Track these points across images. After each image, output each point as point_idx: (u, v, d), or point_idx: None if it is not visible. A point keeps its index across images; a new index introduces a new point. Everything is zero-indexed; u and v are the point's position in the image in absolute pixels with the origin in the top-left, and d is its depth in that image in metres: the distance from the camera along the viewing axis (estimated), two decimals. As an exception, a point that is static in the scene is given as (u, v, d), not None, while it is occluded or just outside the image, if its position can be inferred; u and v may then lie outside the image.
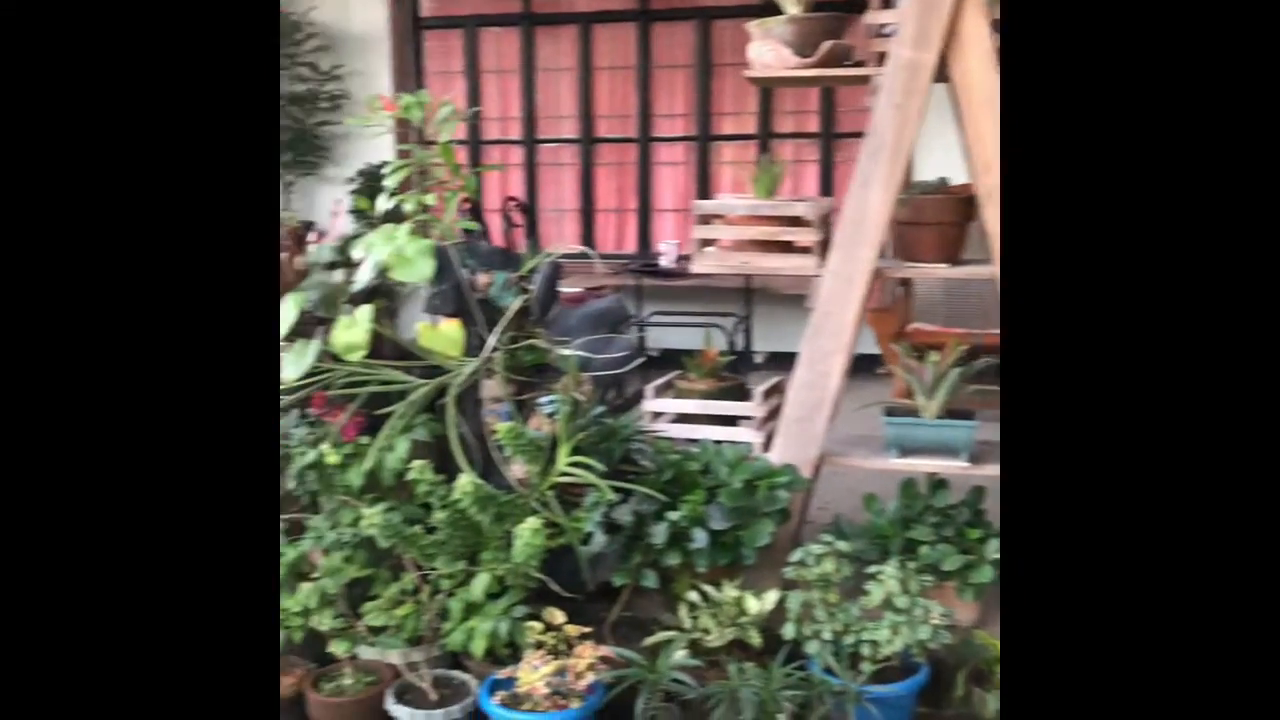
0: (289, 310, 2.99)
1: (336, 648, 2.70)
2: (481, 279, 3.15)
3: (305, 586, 2.79)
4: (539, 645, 2.59)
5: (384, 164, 5.98)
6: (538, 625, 2.63)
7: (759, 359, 6.09)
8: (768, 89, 6.13)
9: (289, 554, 2.86)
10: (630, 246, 6.80)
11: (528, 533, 2.62)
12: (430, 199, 3.18)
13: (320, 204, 6.41)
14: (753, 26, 3.11)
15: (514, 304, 3.06)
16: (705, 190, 6.54)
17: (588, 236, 6.78)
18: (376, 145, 6.09)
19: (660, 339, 5.89)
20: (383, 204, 3.17)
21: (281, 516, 2.99)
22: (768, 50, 3.05)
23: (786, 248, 3.15)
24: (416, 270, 2.97)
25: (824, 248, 3.03)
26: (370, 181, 6.08)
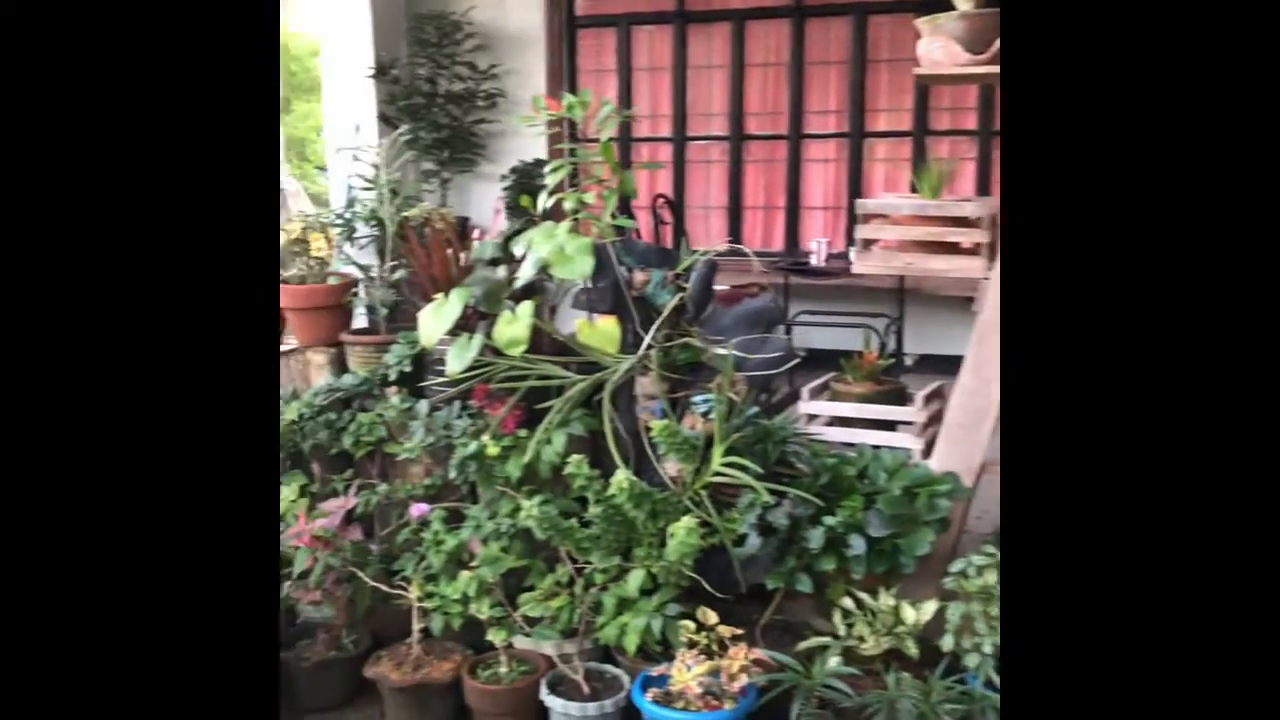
0: (454, 305, 3.07)
1: (494, 636, 2.76)
2: (638, 277, 3.17)
3: (464, 575, 2.87)
4: (692, 644, 2.59)
5: (537, 161, 6.15)
6: (690, 624, 2.63)
7: (909, 361, 5.96)
8: (925, 85, 5.99)
9: (449, 541, 2.94)
10: (777, 244, 6.74)
11: (682, 531, 2.62)
12: (589, 197, 3.22)
13: (475, 200, 6.57)
14: (922, 23, 3.04)
15: (670, 302, 3.07)
16: (857, 188, 6.43)
17: (735, 234, 6.75)
18: (529, 143, 6.19)
19: (806, 339, 5.82)
20: (543, 201, 3.22)
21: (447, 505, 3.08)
22: (937, 47, 2.96)
23: (952, 249, 3.07)
24: (576, 267, 3.01)
25: (992, 249, 2.94)
26: (523, 179, 6.19)
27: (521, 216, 5.06)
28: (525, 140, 6.23)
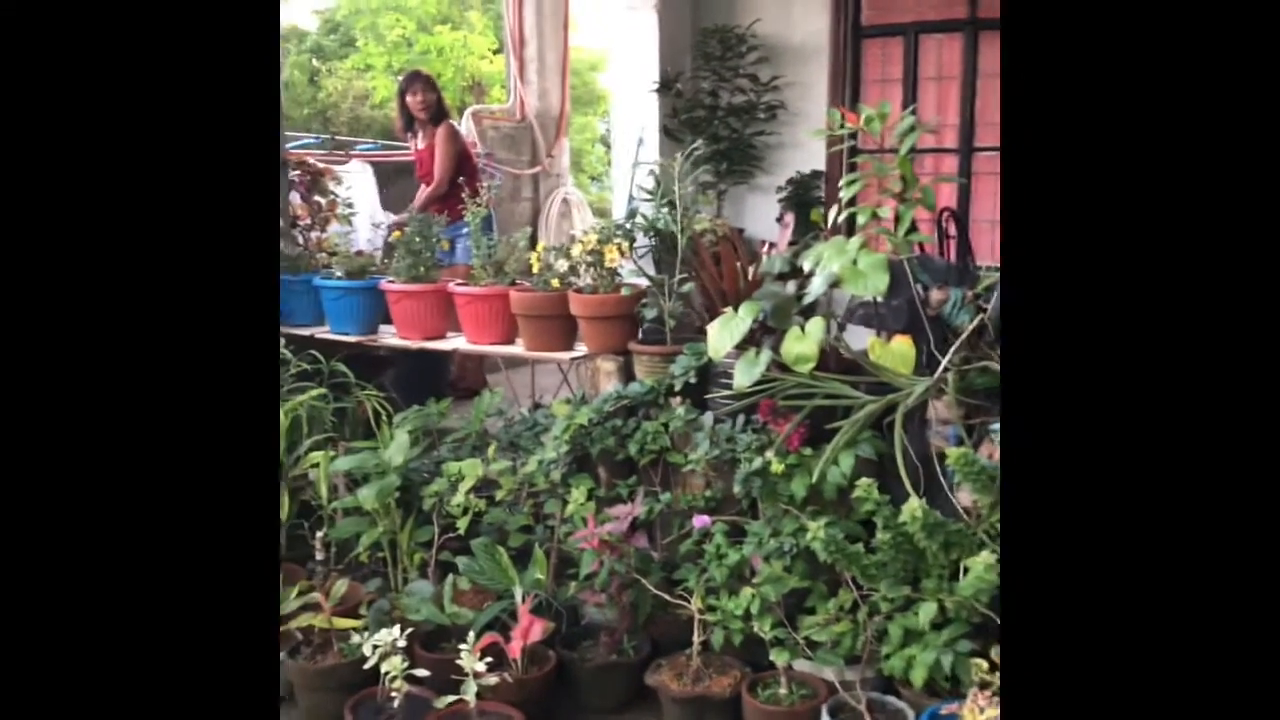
0: (743, 319, 3.07)
1: (776, 657, 2.73)
2: (934, 295, 3.05)
3: (746, 591, 2.85)
4: (984, 684, 2.46)
5: (814, 173, 6.08)
6: (983, 663, 2.50)
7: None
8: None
9: (731, 556, 2.94)
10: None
11: (980, 567, 2.49)
12: (884, 211, 3.13)
13: (749, 211, 6.58)
14: None
15: (969, 323, 2.93)
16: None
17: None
18: (807, 154, 6.13)
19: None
20: (833, 215, 3.16)
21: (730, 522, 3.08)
22: None
23: None
24: (870, 283, 2.93)
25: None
26: (800, 190, 6.14)
27: (809, 230, 5.02)
28: (803, 152, 6.18)
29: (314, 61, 16.28)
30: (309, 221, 4.66)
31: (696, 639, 2.94)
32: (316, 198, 4.67)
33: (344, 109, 15.54)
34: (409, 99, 5.71)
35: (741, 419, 3.18)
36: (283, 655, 3.09)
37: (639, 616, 3.11)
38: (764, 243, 3.76)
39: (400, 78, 6.08)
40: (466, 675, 2.73)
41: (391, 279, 4.02)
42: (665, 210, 3.72)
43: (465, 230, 4.00)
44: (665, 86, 6.18)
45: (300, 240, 4.57)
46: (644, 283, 3.68)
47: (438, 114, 5.72)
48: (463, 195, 4.59)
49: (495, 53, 12.18)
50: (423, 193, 5.57)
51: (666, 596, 3.03)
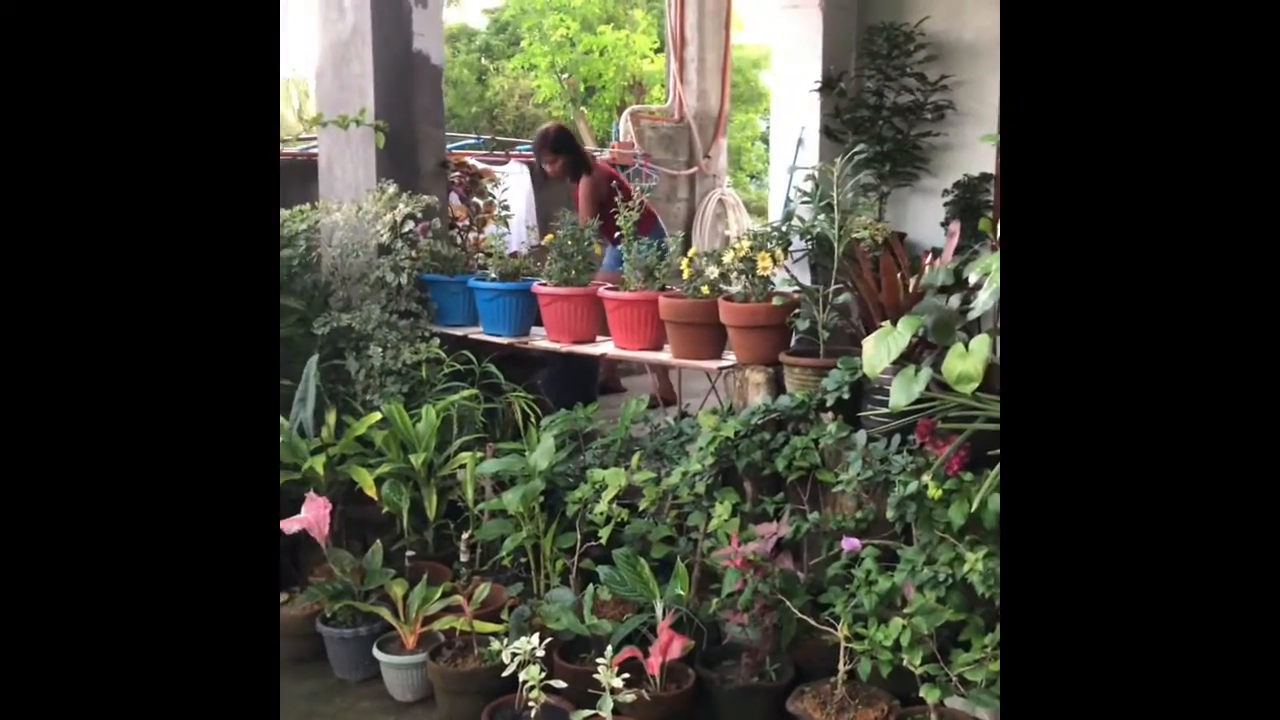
0: (902, 334, 2.91)
1: (927, 694, 2.58)
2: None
3: (896, 621, 2.71)
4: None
5: (983, 176, 5.81)
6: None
7: None
8: None
9: (882, 583, 2.80)
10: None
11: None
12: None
13: (912, 215, 6.34)
14: None
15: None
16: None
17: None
18: (976, 157, 5.86)
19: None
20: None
21: (874, 542, 2.94)
22: None
23: None
24: (1041, 301, 2.74)
25: None
26: (967, 194, 5.88)
27: (976, 237, 4.78)
28: (971, 154, 5.91)
29: (482, 60, 16.67)
30: (466, 223, 4.71)
31: (842, 667, 2.81)
32: (474, 199, 4.73)
33: (510, 108, 15.86)
34: (546, 167, 5.64)
35: (897, 439, 3.03)
36: (425, 656, 3.12)
37: (782, 639, 3.00)
38: (928, 251, 3.58)
39: (535, 135, 5.94)
40: (603, 689, 2.69)
41: (543, 281, 4.02)
42: (822, 215, 3.59)
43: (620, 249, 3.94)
44: (828, 85, 6.01)
45: (458, 241, 4.63)
46: (797, 291, 3.56)
47: (575, 171, 5.57)
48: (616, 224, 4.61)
49: (656, 51, 12.18)
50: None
51: (811, 621, 2.91)
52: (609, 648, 2.81)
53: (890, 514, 2.88)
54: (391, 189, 4.23)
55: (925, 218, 6.18)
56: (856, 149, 3.60)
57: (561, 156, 5.57)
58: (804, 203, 4.89)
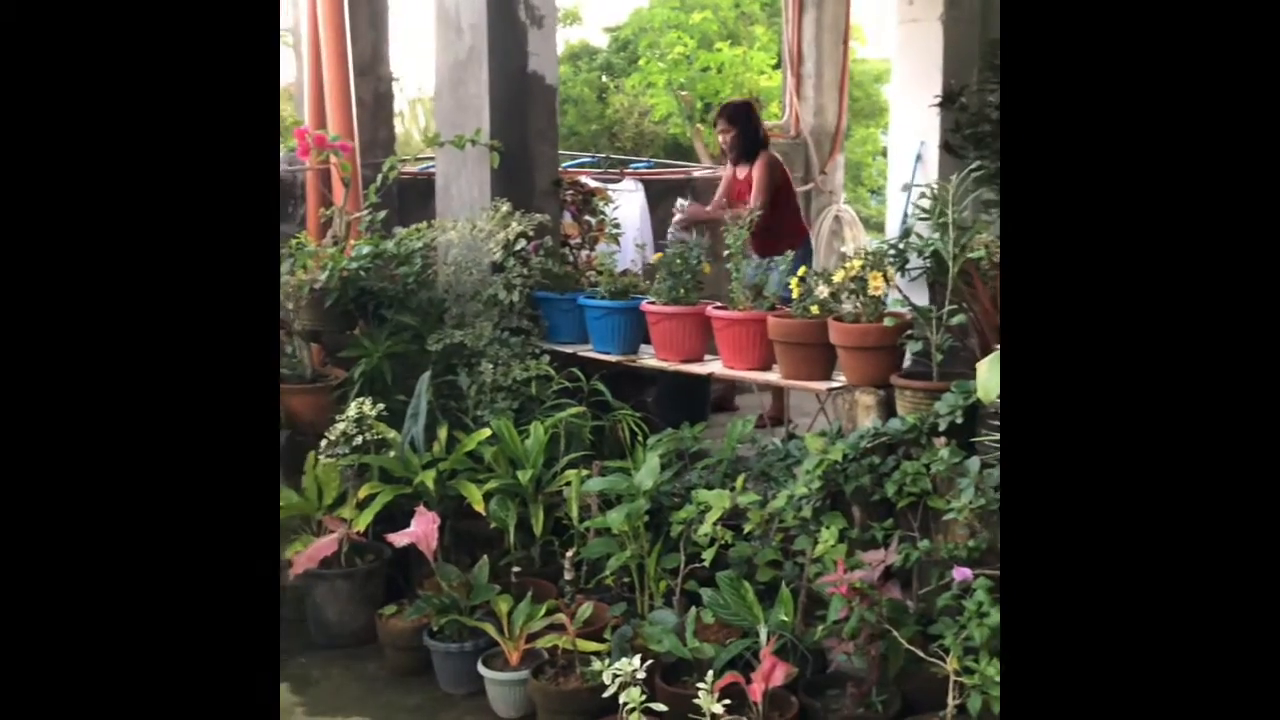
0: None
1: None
2: None
3: (1008, 656, 2.60)
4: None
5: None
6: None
7: None
8: None
9: (994, 615, 2.69)
10: None
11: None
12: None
13: (1038, 232, 6.14)
14: None
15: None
16: None
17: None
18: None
19: None
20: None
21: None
22: None
23: None
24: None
25: None
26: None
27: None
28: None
29: (603, 78, 16.84)
30: (579, 240, 4.75)
31: (951, 702, 2.71)
32: (587, 217, 4.76)
33: (629, 125, 15.98)
34: (719, 135, 5.61)
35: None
36: (527, 674, 3.14)
37: (889, 670, 2.91)
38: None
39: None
40: (704, 715, 2.66)
41: (652, 300, 4.02)
42: (939, 233, 3.49)
43: (777, 266, 3.88)
44: (948, 100, 5.86)
45: (570, 259, 4.67)
46: (910, 311, 3.47)
47: (751, 147, 5.48)
48: (778, 231, 4.55)
49: (774, 67, 12.11)
50: (695, 208, 5.49)
51: (920, 652, 2.81)
52: (711, 672, 2.77)
53: (1004, 544, 2.77)
54: (505, 207, 4.29)
55: (1050, 234, 5.98)
56: (974, 165, 3.49)
57: (735, 128, 5.47)
58: (921, 219, 4.77)
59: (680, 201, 5.51)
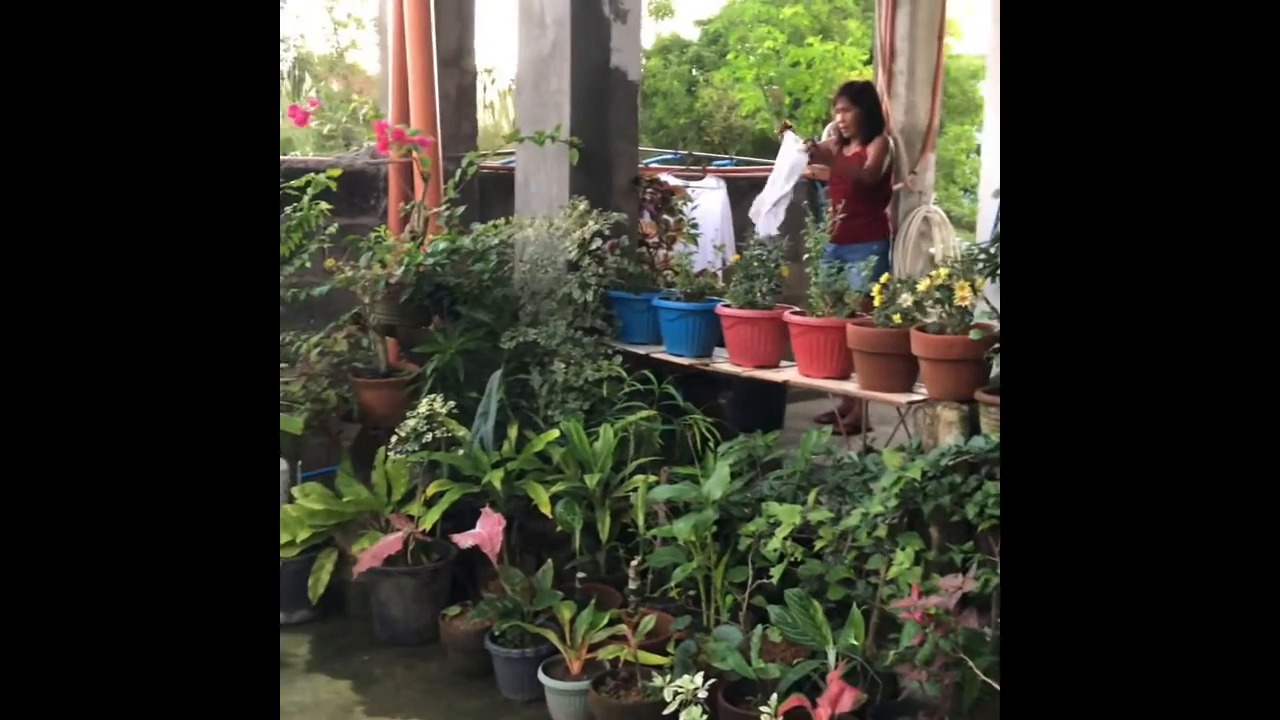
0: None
1: None
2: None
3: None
4: None
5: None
6: None
7: None
8: None
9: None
10: None
11: None
12: None
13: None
14: None
15: None
16: None
17: None
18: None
19: None
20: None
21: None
22: None
23: None
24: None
25: None
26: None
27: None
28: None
29: (693, 71, 16.73)
30: (656, 240, 4.67)
31: (1028, 740, 2.57)
32: (665, 216, 4.68)
33: (718, 119, 15.84)
34: (835, 113, 5.51)
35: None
36: (587, 684, 3.08)
37: (964, 700, 2.78)
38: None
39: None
40: (766, 739, 2.57)
41: (727, 303, 3.92)
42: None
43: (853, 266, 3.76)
44: (1046, 99, 5.66)
45: (647, 258, 4.59)
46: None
47: (871, 129, 5.44)
48: (865, 217, 4.41)
49: (866, 63, 11.86)
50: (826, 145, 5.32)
51: (995, 684, 2.67)
52: (775, 694, 2.68)
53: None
54: (582, 205, 4.23)
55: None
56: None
57: (858, 107, 5.46)
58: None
59: (801, 142, 5.24)
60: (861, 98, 5.47)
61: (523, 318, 4.27)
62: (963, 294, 3.23)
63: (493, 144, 5.69)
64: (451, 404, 3.78)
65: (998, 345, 3.20)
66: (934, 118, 7.84)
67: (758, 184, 6.82)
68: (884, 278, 3.53)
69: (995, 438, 3.05)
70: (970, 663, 2.72)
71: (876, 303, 3.49)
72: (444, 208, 4.38)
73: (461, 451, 3.74)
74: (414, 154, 4.40)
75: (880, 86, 7.78)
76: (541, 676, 3.18)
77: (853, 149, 5.42)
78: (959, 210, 13.96)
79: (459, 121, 5.41)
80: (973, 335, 3.18)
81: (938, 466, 3.08)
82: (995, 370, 3.28)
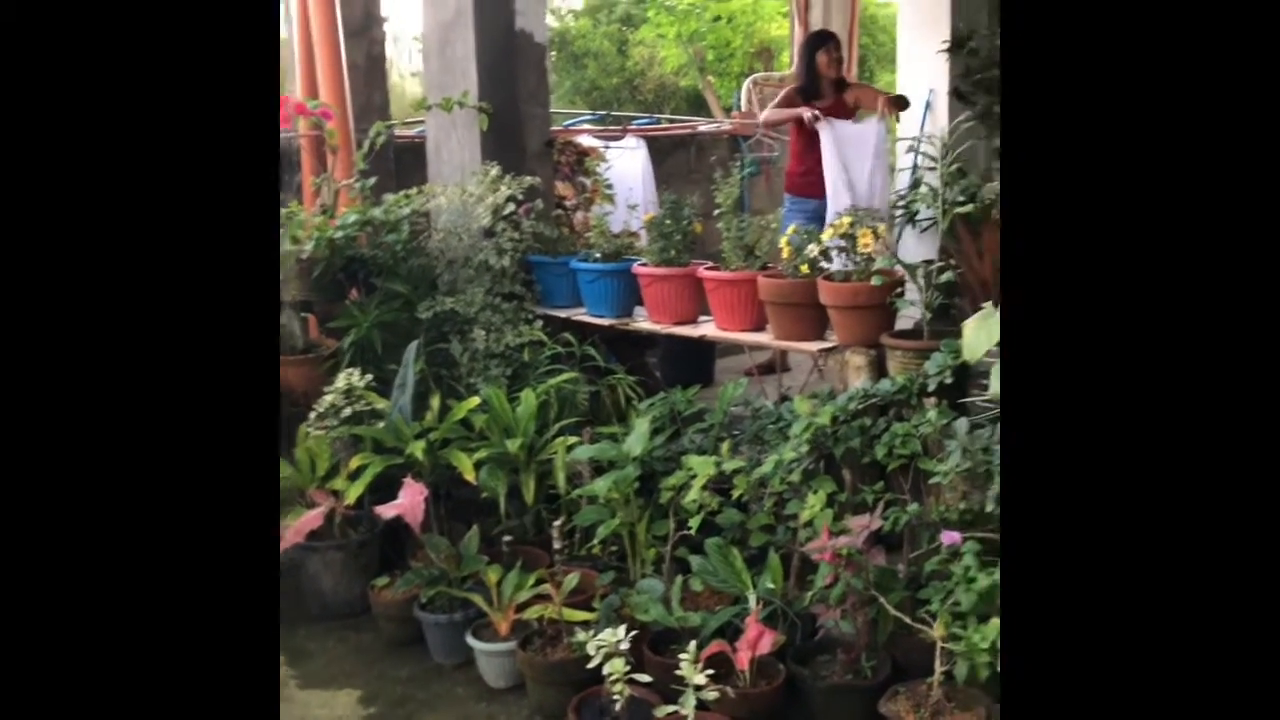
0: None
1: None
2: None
3: (996, 622, 2.54)
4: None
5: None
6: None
7: None
8: None
9: (981, 580, 2.63)
10: None
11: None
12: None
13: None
14: None
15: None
16: None
17: None
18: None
19: None
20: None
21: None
22: None
23: None
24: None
25: None
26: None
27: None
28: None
29: (623, 30, 16.59)
30: (574, 202, 4.67)
31: (938, 668, 2.66)
32: (581, 178, 4.68)
33: (650, 78, 15.75)
34: (821, 57, 5.41)
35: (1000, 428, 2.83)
36: (515, 645, 3.12)
37: (878, 636, 2.86)
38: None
39: (809, 36, 5.76)
40: (687, 685, 2.62)
41: (643, 261, 3.94)
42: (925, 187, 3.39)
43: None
44: (958, 45, 5.69)
45: (565, 221, 4.60)
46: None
47: (843, 78, 5.44)
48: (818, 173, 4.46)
49: (785, 15, 11.87)
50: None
51: (906, 619, 2.76)
52: (694, 642, 2.74)
53: (990, 507, 2.70)
54: (494, 171, 4.22)
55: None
56: (965, 116, 3.38)
57: (839, 53, 5.42)
58: (930, 169, 4.64)
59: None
60: (840, 45, 5.51)
61: (440, 287, 4.26)
62: (865, 241, 3.29)
63: (408, 114, 5.63)
64: (369, 377, 3.77)
65: (901, 290, 3.26)
66: (851, 66, 7.89)
67: (679, 143, 6.83)
68: (790, 229, 3.57)
69: (901, 380, 3.12)
70: (882, 599, 2.80)
71: (785, 255, 3.53)
72: (354, 180, 4.34)
73: (382, 424, 3.74)
74: (322, 127, 4.36)
75: (797, 39, 7.80)
76: (470, 639, 3.21)
77: (827, 99, 5.38)
78: (891, 159, 14.04)
79: (370, 92, 5.35)
80: (875, 282, 3.24)
81: (847, 411, 3.15)
82: (902, 314, 3.35)
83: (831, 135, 4.81)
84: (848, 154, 4.79)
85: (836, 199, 4.66)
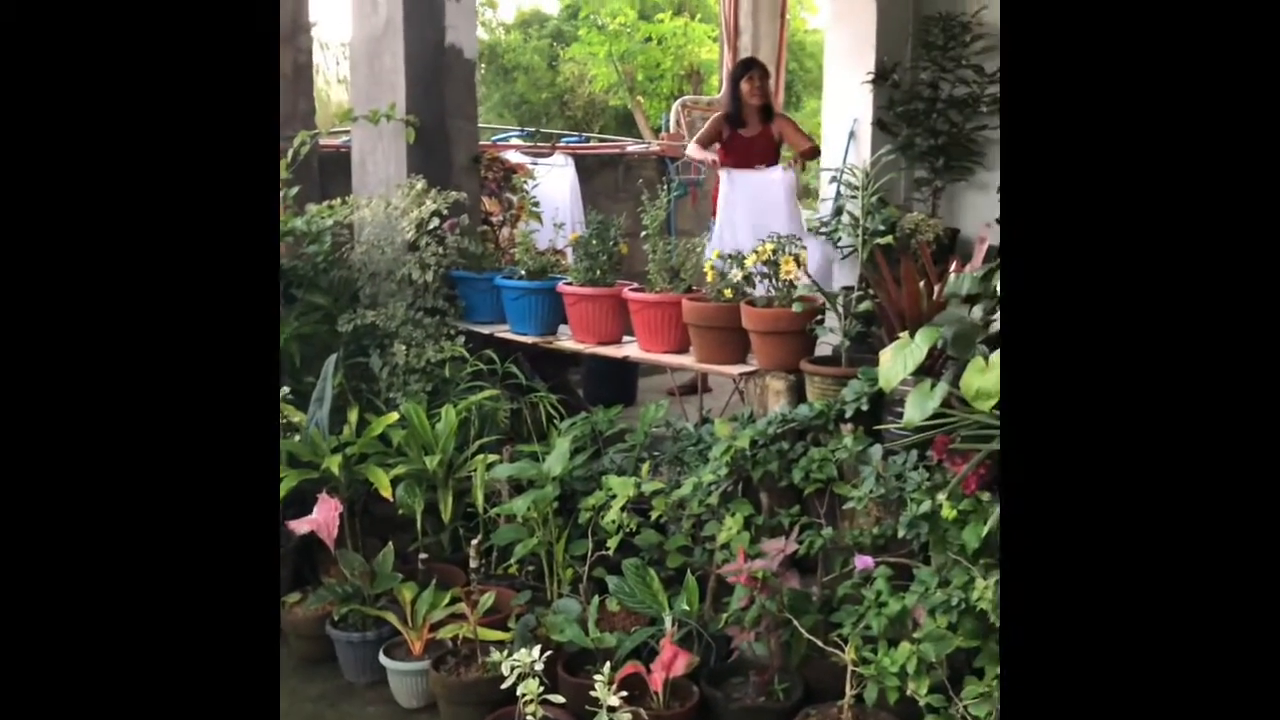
0: (919, 346, 2.79)
1: (929, 727, 2.46)
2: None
3: (905, 646, 2.59)
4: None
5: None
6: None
7: None
8: None
9: (892, 605, 2.68)
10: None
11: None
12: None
13: (967, 209, 6.12)
14: None
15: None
16: None
17: None
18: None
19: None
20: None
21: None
22: None
23: None
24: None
25: None
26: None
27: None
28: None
29: (554, 45, 16.63)
30: (500, 218, 4.67)
31: (849, 691, 2.70)
32: (508, 195, 4.67)
33: (580, 94, 15.81)
34: (744, 85, 5.50)
35: (915, 455, 2.90)
36: (428, 664, 3.09)
37: (791, 658, 2.90)
38: (955, 260, 3.42)
39: (735, 64, 5.86)
40: (600, 707, 2.63)
41: (568, 281, 3.95)
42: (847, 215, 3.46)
43: None
44: (881, 77, 5.82)
45: (491, 237, 4.59)
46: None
47: (769, 106, 5.51)
48: None
49: (714, 40, 12.04)
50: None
51: (819, 642, 2.80)
52: (609, 663, 2.74)
53: (903, 533, 2.76)
54: (420, 184, 4.19)
55: (982, 213, 5.96)
56: (884, 150, 3.46)
57: (765, 80, 5.56)
58: (853, 197, 4.74)
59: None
60: (768, 73, 5.63)
61: (362, 300, 4.22)
62: (788, 268, 3.34)
63: (335, 123, 5.57)
64: (286, 390, 3.71)
65: (820, 317, 3.32)
66: (778, 94, 8.01)
67: (607, 162, 6.86)
68: (714, 253, 3.62)
69: (819, 405, 3.17)
70: (795, 622, 2.83)
71: (709, 279, 3.57)
72: (277, 189, 4.28)
73: (298, 438, 3.68)
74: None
75: (725, 63, 7.91)
76: (382, 658, 3.17)
77: (752, 128, 5.49)
78: (817, 185, 14.27)
79: (295, 100, 5.27)
80: (796, 308, 3.29)
81: (766, 435, 3.19)
82: (822, 341, 3.41)
83: (730, 183, 4.95)
84: (757, 204, 4.91)
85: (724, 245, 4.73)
